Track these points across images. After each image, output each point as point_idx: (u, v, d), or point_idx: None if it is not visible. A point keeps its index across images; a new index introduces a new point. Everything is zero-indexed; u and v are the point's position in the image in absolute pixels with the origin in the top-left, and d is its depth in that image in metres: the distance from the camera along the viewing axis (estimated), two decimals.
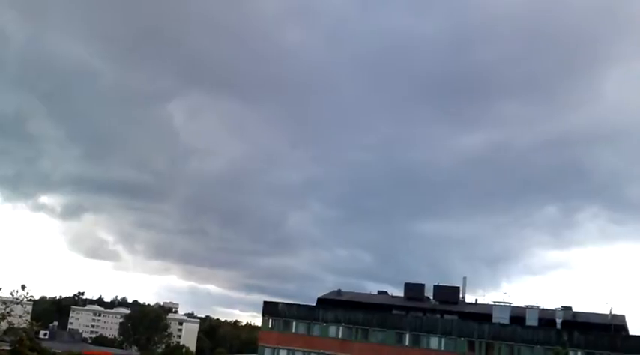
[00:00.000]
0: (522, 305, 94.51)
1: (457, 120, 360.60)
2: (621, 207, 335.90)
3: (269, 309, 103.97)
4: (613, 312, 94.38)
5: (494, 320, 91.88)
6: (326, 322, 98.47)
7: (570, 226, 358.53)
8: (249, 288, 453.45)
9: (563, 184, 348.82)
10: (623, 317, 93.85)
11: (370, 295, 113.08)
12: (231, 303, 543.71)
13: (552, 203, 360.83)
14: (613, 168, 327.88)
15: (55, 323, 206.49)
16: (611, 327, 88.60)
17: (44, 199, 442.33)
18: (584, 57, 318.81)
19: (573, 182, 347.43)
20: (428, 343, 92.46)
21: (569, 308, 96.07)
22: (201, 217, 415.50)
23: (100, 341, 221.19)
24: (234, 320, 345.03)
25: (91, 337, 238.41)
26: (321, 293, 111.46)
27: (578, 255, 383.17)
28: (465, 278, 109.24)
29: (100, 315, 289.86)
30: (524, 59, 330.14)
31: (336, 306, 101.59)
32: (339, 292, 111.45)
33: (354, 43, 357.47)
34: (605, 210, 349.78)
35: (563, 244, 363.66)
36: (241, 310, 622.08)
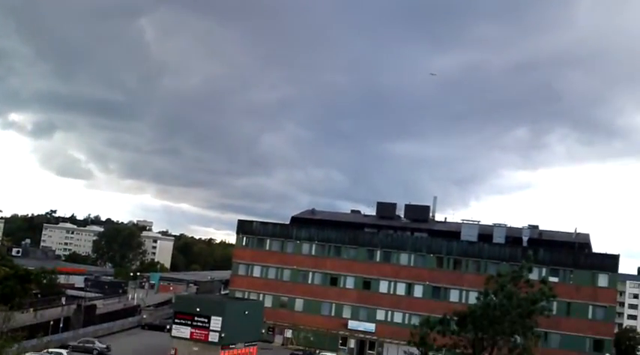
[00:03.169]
0: (490, 223, 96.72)
1: (430, 40, 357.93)
2: (590, 128, 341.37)
3: (243, 228, 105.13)
4: (578, 231, 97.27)
5: (462, 237, 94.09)
6: (299, 240, 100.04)
7: (539, 147, 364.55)
8: (224, 207, 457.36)
9: (533, 106, 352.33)
10: (587, 235, 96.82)
11: (343, 214, 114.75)
12: (206, 222, 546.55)
13: (522, 125, 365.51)
14: (583, 90, 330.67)
15: (28, 240, 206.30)
16: (575, 245, 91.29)
17: (14, 116, 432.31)
18: None
19: (544, 104, 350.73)
20: (398, 259, 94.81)
21: (536, 226, 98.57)
22: (175, 136, 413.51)
23: (74, 258, 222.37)
24: (208, 238, 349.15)
25: (64, 254, 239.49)
26: (296, 213, 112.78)
27: (546, 175, 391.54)
28: (435, 198, 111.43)
29: (73, 233, 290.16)
30: None
31: (309, 225, 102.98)
32: (312, 211, 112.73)
33: None
34: (574, 132, 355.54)
35: (531, 165, 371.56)
36: (216, 228, 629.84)
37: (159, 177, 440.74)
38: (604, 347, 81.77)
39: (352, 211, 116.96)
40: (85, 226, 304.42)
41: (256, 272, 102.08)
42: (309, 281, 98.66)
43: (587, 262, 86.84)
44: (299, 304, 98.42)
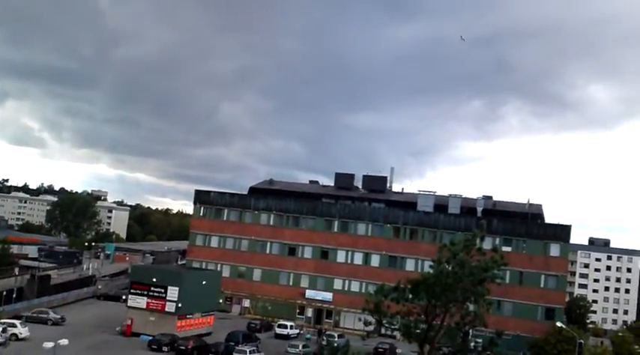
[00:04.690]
0: (446, 194, 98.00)
1: (390, 10, 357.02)
2: (544, 100, 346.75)
3: (201, 198, 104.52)
4: (531, 201, 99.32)
5: (418, 208, 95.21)
6: (257, 210, 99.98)
7: (494, 119, 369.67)
8: (181, 178, 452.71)
9: (488, 79, 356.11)
10: (540, 206, 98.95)
11: (301, 184, 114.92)
12: (162, 192, 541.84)
13: (478, 97, 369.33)
14: (536, 63, 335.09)
15: None
16: (528, 215, 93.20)
17: None
18: None
19: (498, 77, 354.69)
20: (355, 229, 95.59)
21: (490, 197, 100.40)
22: (131, 105, 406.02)
23: (27, 228, 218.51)
24: (165, 208, 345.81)
25: (17, 224, 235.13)
26: (254, 183, 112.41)
27: (500, 146, 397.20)
28: (392, 169, 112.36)
29: (26, 202, 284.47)
30: None
31: (267, 195, 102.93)
32: (270, 181, 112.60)
33: None
34: (528, 104, 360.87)
35: (486, 136, 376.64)
36: (173, 199, 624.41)
37: (114, 147, 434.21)
38: (555, 315, 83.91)
39: (310, 182, 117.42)
40: (38, 196, 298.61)
41: (214, 242, 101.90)
42: (267, 251, 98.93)
43: (539, 232, 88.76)
44: (257, 274, 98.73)
